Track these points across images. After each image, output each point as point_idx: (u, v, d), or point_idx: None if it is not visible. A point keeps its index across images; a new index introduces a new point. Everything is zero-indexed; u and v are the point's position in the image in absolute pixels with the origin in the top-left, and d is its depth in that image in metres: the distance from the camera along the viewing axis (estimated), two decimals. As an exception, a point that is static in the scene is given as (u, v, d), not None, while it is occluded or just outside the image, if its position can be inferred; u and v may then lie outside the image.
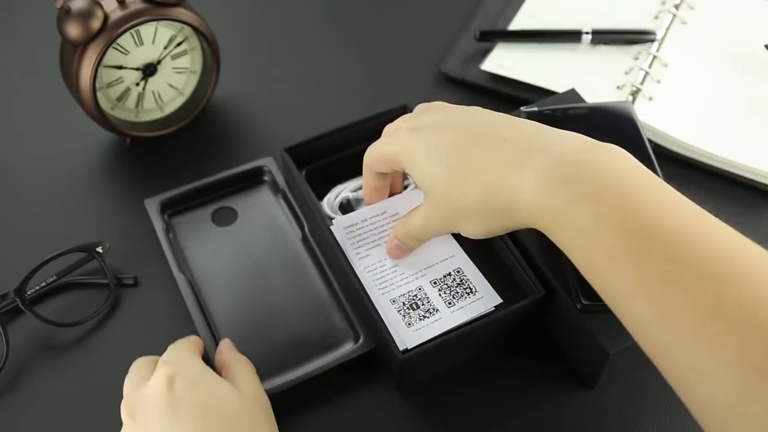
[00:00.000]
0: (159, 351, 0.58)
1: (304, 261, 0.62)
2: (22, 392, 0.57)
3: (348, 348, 0.56)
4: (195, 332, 0.58)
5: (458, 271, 0.56)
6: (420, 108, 0.54)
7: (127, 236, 0.65)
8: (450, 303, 0.54)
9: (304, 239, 0.63)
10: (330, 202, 0.62)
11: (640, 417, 0.55)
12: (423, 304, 0.54)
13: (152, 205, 0.64)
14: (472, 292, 0.55)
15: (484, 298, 0.55)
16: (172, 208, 0.65)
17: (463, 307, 0.54)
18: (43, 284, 0.61)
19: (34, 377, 0.57)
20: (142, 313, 0.61)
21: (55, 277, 0.61)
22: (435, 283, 0.55)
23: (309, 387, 0.54)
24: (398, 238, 0.55)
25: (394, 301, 0.54)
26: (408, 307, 0.54)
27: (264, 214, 0.65)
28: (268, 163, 0.67)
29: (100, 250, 0.62)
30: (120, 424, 0.56)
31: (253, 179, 0.67)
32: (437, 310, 0.54)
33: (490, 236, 0.50)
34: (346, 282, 0.58)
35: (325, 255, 0.61)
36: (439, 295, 0.55)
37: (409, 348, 0.52)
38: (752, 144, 0.68)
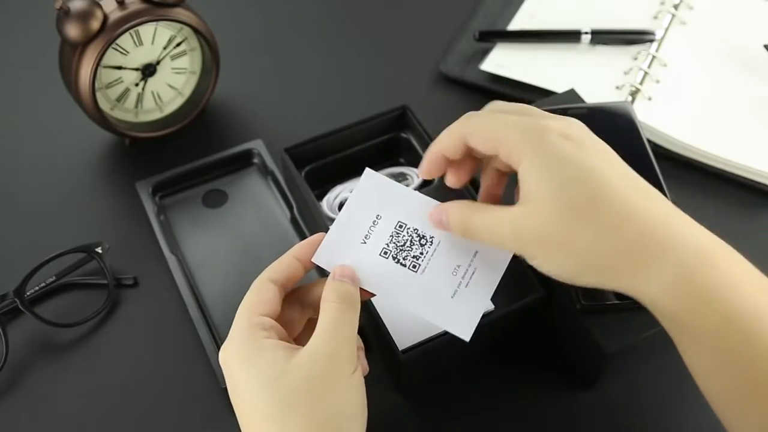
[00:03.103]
0: (159, 351, 0.59)
1: (294, 241, 0.63)
2: (22, 392, 0.57)
3: None
4: (194, 333, 0.58)
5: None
6: (559, 117, 0.45)
7: (126, 236, 0.65)
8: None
9: (293, 220, 0.64)
10: (330, 202, 0.63)
11: (640, 417, 0.55)
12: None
13: (144, 188, 0.65)
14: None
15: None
16: (163, 191, 0.66)
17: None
18: (43, 285, 0.61)
19: (34, 377, 0.57)
20: (142, 314, 0.61)
21: (54, 278, 0.61)
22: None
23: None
24: (448, 217, 0.46)
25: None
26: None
27: (254, 195, 0.67)
28: (257, 145, 0.68)
29: (100, 251, 0.62)
30: (119, 427, 0.56)
31: (242, 161, 0.68)
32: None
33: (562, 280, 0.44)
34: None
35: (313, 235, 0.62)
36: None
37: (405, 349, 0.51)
38: (752, 144, 0.68)
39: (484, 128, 0.45)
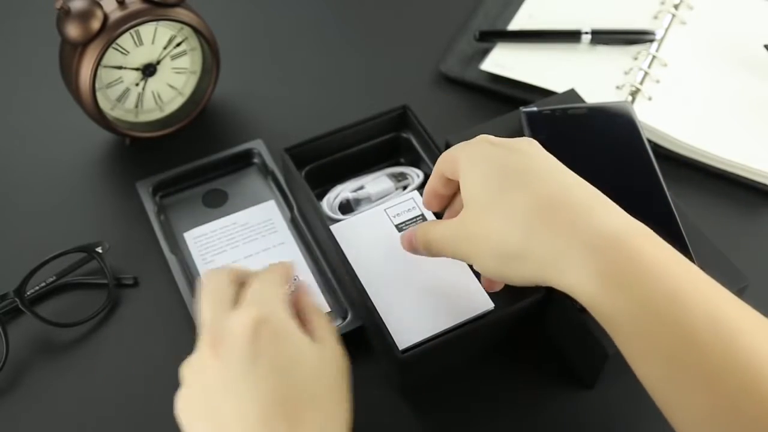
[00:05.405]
0: (158, 351, 0.59)
1: (294, 241, 0.63)
2: (22, 392, 0.57)
3: (336, 325, 0.57)
4: (194, 333, 0.58)
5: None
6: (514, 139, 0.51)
7: (126, 236, 0.65)
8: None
9: (293, 220, 0.64)
10: (330, 202, 0.63)
11: (639, 417, 0.55)
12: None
13: (144, 188, 0.65)
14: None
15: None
16: (163, 191, 0.66)
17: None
18: (43, 284, 0.61)
19: (34, 377, 0.57)
20: (142, 313, 0.61)
21: (54, 278, 0.61)
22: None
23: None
24: (415, 235, 0.53)
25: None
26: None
27: (254, 195, 0.66)
28: (257, 145, 0.68)
29: (100, 251, 0.62)
30: (120, 427, 0.56)
31: (242, 161, 0.68)
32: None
33: (498, 280, 0.51)
34: (335, 263, 0.59)
35: (313, 235, 0.63)
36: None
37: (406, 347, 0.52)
38: (752, 144, 0.68)
39: (445, 155, 0.50)
